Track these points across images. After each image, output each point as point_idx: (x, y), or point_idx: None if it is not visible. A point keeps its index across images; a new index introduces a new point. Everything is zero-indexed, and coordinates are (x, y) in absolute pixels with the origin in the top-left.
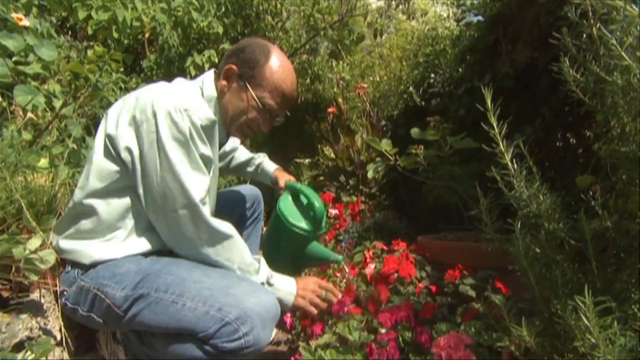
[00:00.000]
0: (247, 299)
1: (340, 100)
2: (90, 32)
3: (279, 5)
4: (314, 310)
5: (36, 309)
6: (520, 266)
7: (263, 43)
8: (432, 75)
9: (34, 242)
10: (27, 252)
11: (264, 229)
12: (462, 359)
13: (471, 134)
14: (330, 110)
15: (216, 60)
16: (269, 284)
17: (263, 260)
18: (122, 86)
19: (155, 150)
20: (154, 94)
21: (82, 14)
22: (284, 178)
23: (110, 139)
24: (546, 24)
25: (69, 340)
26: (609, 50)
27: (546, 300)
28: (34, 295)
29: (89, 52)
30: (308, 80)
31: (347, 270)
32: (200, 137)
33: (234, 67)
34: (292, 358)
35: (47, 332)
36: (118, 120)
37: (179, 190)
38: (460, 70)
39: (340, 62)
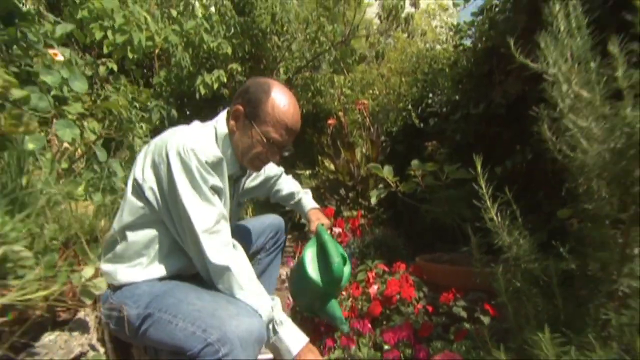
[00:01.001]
0: (229, 322)
1: (340, 114)
2: (106, 51)
3: (285, 27)
4: None
5: (83, 327)
6: (501, 299)
7: (264, 81)
8: (431, 95)
9: (89, 271)
10: (84, 279)
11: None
12: None
13: (466, 157)
14: (330, 122)
15: (225, 80)
16: (274, 331)
17: (277, 303)
18: (136, 105)
19: (167, 184)
20: (168, 138)
21: (98, 35)
22: (317, 221)
23: (137, 182)
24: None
25: (109, 353)
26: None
27: (521, 329)
28: (80, 315)
29: (101, 69)
30: (310, 95)
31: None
32: (208, 172)
33: (240, 107)
34: None
35: (93, 347)
36: (143, 164)
37: (188, 221)
38: (457, 97)
39: (342, 78)
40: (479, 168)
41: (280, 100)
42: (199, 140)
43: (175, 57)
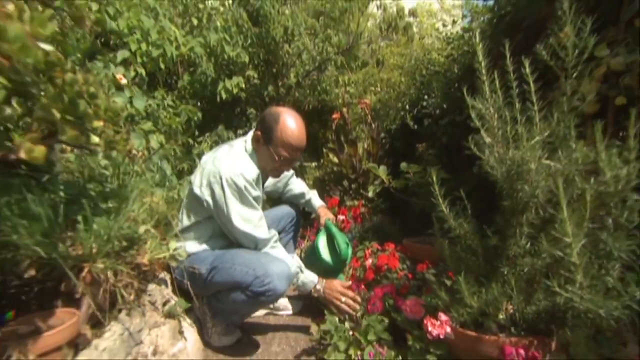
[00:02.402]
0: (270, 264)
1: (344, 109)
2: (139, 61)
3: (295, 37)
4: (338, 306)
5: (164, 283)
6: (448, 259)
7: (275, 111)
8: (426, 97)
9: (173, 244)
10: (172, 250)
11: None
12: (414, 310)
13: (453, 157)
14: (335, 116)
15: (243, 86)
16: (301, 271)
17: (297, 257)
18: (166, 106)
19: (223, 201)
20: (220, 162)
21: (133, 47)
22: (325, 217)
23: (195, 194)
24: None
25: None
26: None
27: (457, 279)
28: (161, 275)
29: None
30: (316, 93)
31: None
32: (253, 187)
33: (258, 133)
34: (318, 317)
35: (171, 297)
36: (201, 182)
37: (232, 225)
38: (445, 105)
39: (346, 77)
40: (434, 176)
41: (287, 126)
42: (243, 163)
43: (201, 66)
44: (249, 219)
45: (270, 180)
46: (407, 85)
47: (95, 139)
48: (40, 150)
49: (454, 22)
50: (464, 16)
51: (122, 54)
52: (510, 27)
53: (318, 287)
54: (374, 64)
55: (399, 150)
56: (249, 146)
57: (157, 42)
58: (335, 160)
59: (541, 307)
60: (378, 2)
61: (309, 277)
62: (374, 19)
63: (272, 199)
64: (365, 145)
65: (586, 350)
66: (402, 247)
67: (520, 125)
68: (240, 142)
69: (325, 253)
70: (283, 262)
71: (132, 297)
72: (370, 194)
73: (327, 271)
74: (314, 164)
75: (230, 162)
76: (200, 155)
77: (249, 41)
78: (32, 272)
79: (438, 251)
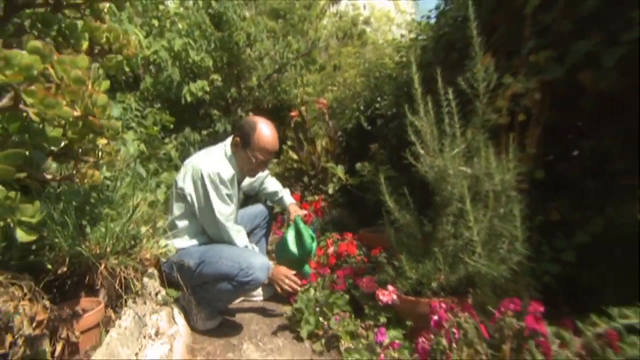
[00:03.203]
0: (252, 258)
1: (303, 108)
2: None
3: (257, 44)
4: (282, 286)
5: (154, 276)
6: (394, 244)
7: (252, 120)
8: (379, 98)
9: (163, 242)
10: (162, 247)
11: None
12: (369, 286)
13: (401, 157)
14: (293, 114)
15: (207, 89)
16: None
17: (256, 247)
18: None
19: (202, 196)
20: (201, 163)
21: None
22: (295, 213)
23: (182, 190)
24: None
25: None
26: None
27: (401, 259)
28: (150, 270)
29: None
30: (276, 93)
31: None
32: (226, 185)
33: (237, 139)
34: (291, 299)
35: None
36: (184, 178)
37: (213, 214)
38: (394, 109)
39: (305, 79)
40: (382, 176)
41: (263, 134)
42: (220, 165)
43: (167, 70)
44: (222, 212)
45: (247, 180)
46: (362, 86)
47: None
48: (97, 175)
49: (404, 35)
50: (410, 31)
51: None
52: (447, 45)
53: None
54: (331, 68)
55: (355, 148)
56: (228, 150)
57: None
58: (295, 157)
59: (461, 275)
60: (335, 10)
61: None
62: (331, 26)
63: (249, 197)
64: (324, 143)
65: (490, 302)
66: (358, 236)
67: (446, 138)
68: (220, 147)
69: (293, 246)
70: (263, 256)
71: (138, 287)
72: (330, 191)
73: (294, 261)
74: (274, 160)
75: (210, 162)
76: (167, 156)
77: (213, 45)
78: (64, 269)
79: (387, 238)
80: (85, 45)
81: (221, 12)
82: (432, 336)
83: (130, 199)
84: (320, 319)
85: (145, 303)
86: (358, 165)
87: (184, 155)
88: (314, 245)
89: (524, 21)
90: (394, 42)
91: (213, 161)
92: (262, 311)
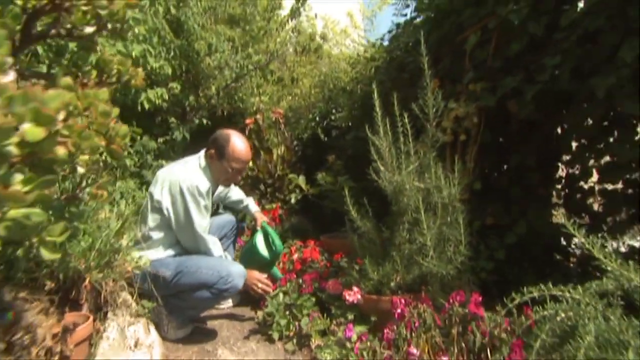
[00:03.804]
0: (230, 267)
1: (259, 117)
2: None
3: (218, 54)
4: (255, 290)
5: (124, 287)
6: (357, 249)
7: (226, 133)
8: (334, 110)
9: (135, 254)
10: (136, 259)
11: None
12: (335, 288)
13: (357, 166)
14: (248, 121)
15: (166, 97)
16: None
17: (230, 256)
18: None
19: (181, 209)
20: (179, 176)
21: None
22: (261, 219)
23: (158, 202)
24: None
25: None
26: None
27: (363, 262)
28: (120, 282)
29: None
30: (232, 101)
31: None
32: (203, 197)
33: (212, 151)
34: (261, 303)
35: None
36: (162, 191)
37: (191, 228)
38: (349, 123)
39: (262, 89)
40: (346, 189)
41: (237, 145)
42: (197, 178)
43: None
44: (200, 225)
45: (217, 190)
46: (317, 97)
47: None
48: (106, 195)
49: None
50: (365, 50)
51: None
52: (399, 67)
53: None
54: (289, 80)
55: (311, 157)
56: (202, 162)
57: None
58: (251, 165)
59: (416, 274)
60: (294, 24)
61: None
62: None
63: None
64: (280, 152)
65: (440, 297)
66: (320, 242)
67: (402, 156)
68: (194, 160)
69: (263, 250)
70: (238, 264)
71: (120, 300)
72: (292, 201)
73: (263, 265)
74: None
75: (187, 174)
76: (122, 165)
77: (172, 53)
78: (52, 285)
79: (350, 243)
80: (94, 74)
81: (181, 20)
82: (395, 327)
83: (99, 211)
84: (291, 320)
85: (123, 315)
86: (319, 176)
87: (141, 163)
88: (282, 248)
89: (464, 56)
90: (349, 59)
91: (190, 174)
92: (231, 317)
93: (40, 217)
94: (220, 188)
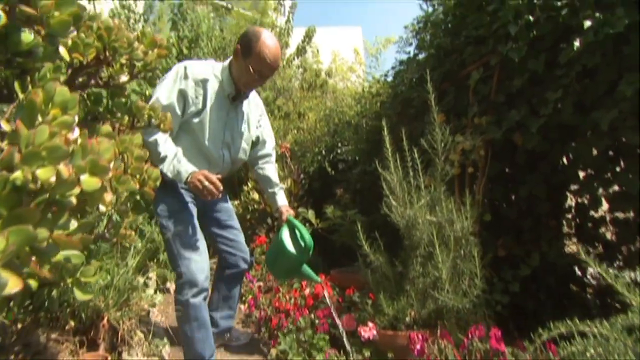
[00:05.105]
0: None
1: None
2: None
3: None
4: (199, 191)
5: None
6: (371, 284)
7: (258, 29)
8: (340, 144)
9: (150, 291)
10: (150, 297)
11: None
12: (349, 324)
13: (365, 200)
14: None
15: None
16: (178, 160)
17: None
18: None
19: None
20: None
21: None
22: (286, 213)
23: None
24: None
25: None
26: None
27: (377, 297)
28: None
29: None
30: None
31: (325, 291)
32: (182, 79)
33: (238, 47)
34: (273, 342)
35: None
36: None
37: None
38: (357, 157)
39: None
40: (359, 226)
41: (266, 44)
42: (198, 63)
43: None
44: (158, 100)
45: (258, 130)
46: (322, 131)
47: None
48: (133, 236)
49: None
50: (370, 86)
51: None
52: (404, 102)
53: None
54: (295, 115)
55: (318, 189)
56: (226, 62)
57: None
58: (256, 197)
59: (431, 309)
60: (300, 62)
61: (184, 167)
62: (296, 76)
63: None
64: (287, 186)
65: (456, 331)
66: (330, 277)
67: (413, 190)
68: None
69: (290, 246)
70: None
71: (135, 339)
72: None
73: (292, 264)
74: (236, 202)
75: (192, 61)
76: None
77: None
78: (74, 324)
79: (361, 278)
80: (126, 119)
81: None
82: None
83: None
84: (306, 358)
85: (137, 354)
86: (328, 210)
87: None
88: (312, 243)
89: (467, 90)
90: (355, 94)
91: (195, 61)
92: (244, 354)
93: (79, 259)
94: (253, 129)
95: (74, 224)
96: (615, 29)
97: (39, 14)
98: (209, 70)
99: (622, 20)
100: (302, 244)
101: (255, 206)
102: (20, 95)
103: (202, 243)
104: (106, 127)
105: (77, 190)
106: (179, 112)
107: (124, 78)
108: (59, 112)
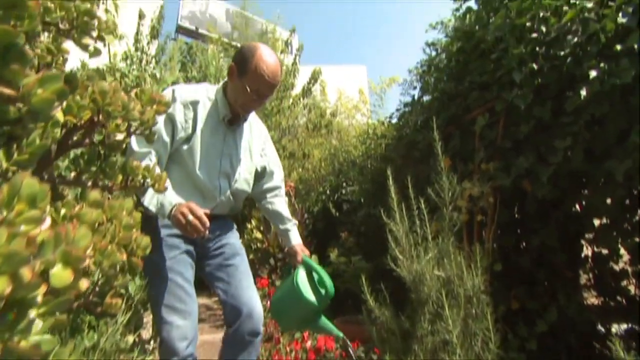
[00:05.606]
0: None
1: None
2: None
3: None
4: (183, 227)
5: None
6: (376, 341)
7: (253, 45)
8: (344, 184)
9: (137, 355)
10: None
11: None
12: None
13: (370, 243)
14: None
15: None
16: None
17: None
18: None
19: None
20: None
21: None
22: (301, 253)
23: None
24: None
25: None
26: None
27: (384, 350)
28: None
29: None
30: None
31: (349, 344)
32: (174, 102)
33: (233, 65)
34: None
35: None
36: None
37: None
38: (362, 199)
39: None
40: (363, 276)
41: (263, 60)
42: (187, 86)
43: None
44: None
45: (263, 159)
46: (326, 170)
47: None
48: (119, 303)
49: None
50: (375, 127)
51: None
52: (409, 144)
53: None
54: (299, 154)
55: (321, 230)
56: (220, 84)
57: None
58: (259, 236)
59: None
60: (305, 102)
61: (168, 199)
62: (301, 117)
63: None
64: None
65: None
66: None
67: (419, 242)
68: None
69: (307, 293)
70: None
71: None
72: None
73: (309, 314)
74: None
75: (182, 85)
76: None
77: None
78: None
79: (367, 333)
80: (119, 179)
81: None
82: None
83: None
84: None
85: None
86: (332, 255)
87: None
88: (333, 290)
89: (473, 135)
90: (359, 135)
91: (186, 85)
92: None
93: (51, 344)
94: (256, 157)
95: (38, 325)
96: (622, 79)
97: (20, 94)
98: (201, 92)
99: (629, 71)
100: (322, 290)
101: (259, 245)
102: (4, 165)
103: (189, 302)
104: (94, 194)
105: (42, 289)
106: (166, 138)
107: (120, 136)
108: (25, 206)
